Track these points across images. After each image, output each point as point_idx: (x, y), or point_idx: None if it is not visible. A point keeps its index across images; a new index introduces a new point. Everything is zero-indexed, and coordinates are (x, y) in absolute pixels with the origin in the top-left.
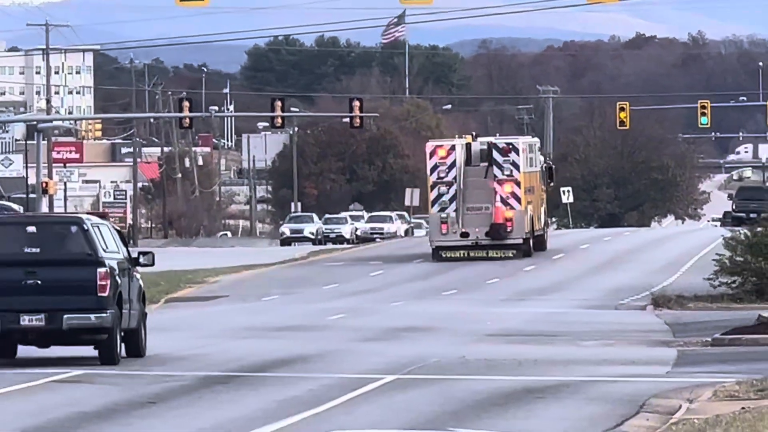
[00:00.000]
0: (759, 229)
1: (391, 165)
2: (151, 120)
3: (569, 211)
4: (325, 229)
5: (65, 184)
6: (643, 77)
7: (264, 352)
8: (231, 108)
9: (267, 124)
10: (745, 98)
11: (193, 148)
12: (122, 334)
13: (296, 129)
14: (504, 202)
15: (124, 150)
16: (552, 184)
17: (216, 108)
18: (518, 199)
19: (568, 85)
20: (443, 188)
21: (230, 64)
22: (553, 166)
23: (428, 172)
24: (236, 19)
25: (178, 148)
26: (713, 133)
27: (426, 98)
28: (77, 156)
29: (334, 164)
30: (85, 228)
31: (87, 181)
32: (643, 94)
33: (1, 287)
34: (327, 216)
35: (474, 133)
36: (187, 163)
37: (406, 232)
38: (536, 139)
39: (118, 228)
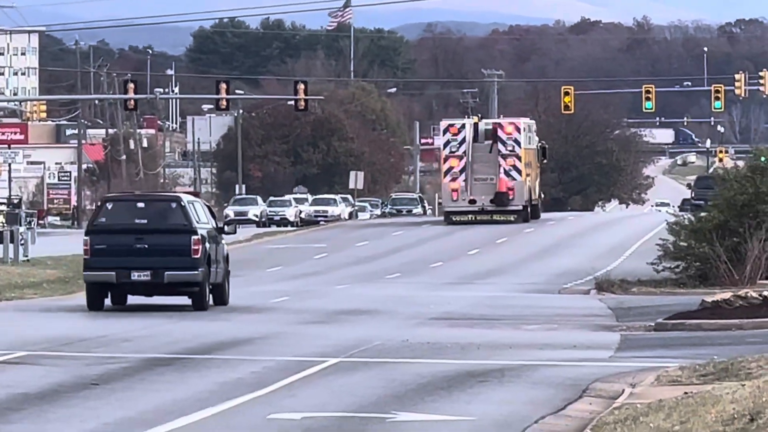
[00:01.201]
0: (703, 214)
1: (335, 148)
2: (96, 102)
3: None
4: (270, 211)
5: (9, 165)
6: (588, 62)
7: (207, 335)
8: (176, 90)
9: (212, 106)
10: (689, 83)
11: (138, 130)
12: (211, 287)
13: (241, 111)
14: (507, 173)
15: (68, 131)
16: (545, 161)
17: (161, 90)
18: (519, 172)
19: (513, 69)
20: (454, 161)
21: (175, 47)
22: (546, 146)
23: (441, 147)
24: (181, 1)
25: (123, 130)
26: (658, 118)
27: (371, 81)
28: (22, 137)
29: (279, 147)
30: (182, 204)
31: (31, 163)
32: (588, 78)
33: (117, 250)
34: (271, 198)
35: (479, 115)
36: (132, 145)
37: (350, 215)
38: (533, 121)
39: (208, 204)
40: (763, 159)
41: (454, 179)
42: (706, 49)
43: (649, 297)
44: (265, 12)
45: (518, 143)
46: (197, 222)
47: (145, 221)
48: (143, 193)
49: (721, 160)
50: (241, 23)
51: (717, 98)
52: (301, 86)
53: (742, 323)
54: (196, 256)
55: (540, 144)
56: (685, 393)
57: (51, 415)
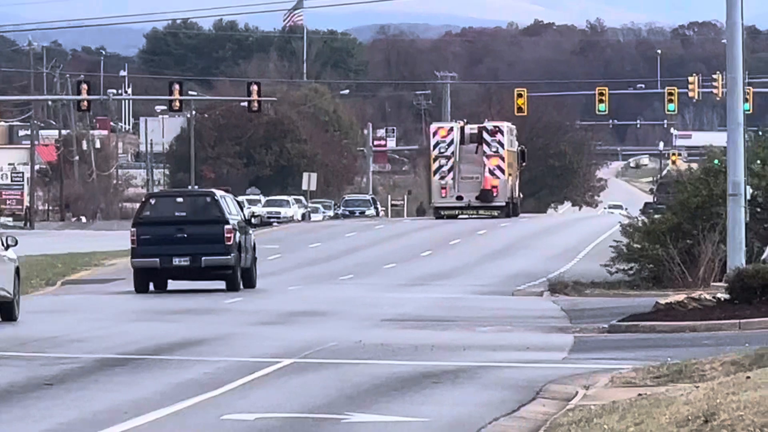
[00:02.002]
0: (657, 216)
1: (288, 149)
2: (49, 103)
3: None
4: None
5: None
6: (541, 64)
7: (161, 335)
8: (129, 91)
9: (165, 107)
10: (643, 86)
11: (91, 131)
12: (241, 271)
13: (194, 113)
14: (491, 172)
15: (21, 132)
16: (524, 164)
17: (114, 91)
18: (502, 171)
19: (466, 71)
20: (443, 161)
21: (128, 48)
22: (526, 150)
23: (431, 148)
24: (134, 3)
25: (76, 131)
26: (611, 121)
27: (324, 83)
28: None
29: (232, 148)
30: (216, 198)
31: None
32: (541, 80)
33: (160, 239)
34: None
35: (465, 119)
36: (85, 146)
37: (303, 217)
38: (514, 126)
39: (238, 200)
40: (716, 162)
41: (442, 177)
42: (659, 51)
43: (602, 299)
44: (217, 13)
45: (501, 145)
46: (229, 214)
47: (184, 214)
48: (182, 189)
49: (674, 162)
50: (194, 24)
51: (670, 101)
52: (254, 88)
53: (696, 325)
54: (228, 243)
55: (520, 148)
56: (639, 394)
57: (4, 415)
